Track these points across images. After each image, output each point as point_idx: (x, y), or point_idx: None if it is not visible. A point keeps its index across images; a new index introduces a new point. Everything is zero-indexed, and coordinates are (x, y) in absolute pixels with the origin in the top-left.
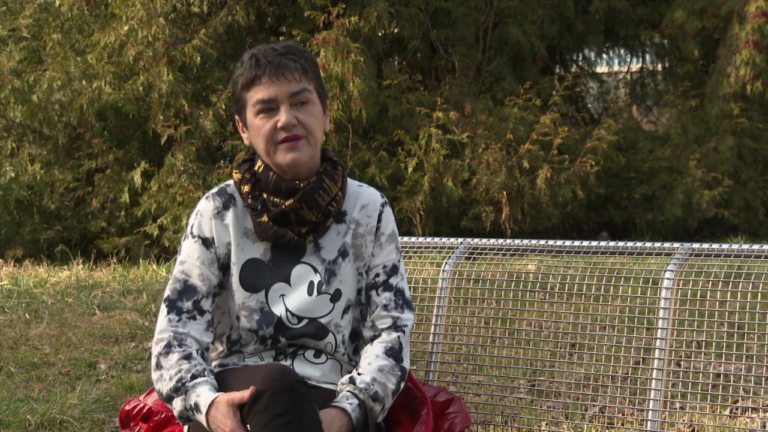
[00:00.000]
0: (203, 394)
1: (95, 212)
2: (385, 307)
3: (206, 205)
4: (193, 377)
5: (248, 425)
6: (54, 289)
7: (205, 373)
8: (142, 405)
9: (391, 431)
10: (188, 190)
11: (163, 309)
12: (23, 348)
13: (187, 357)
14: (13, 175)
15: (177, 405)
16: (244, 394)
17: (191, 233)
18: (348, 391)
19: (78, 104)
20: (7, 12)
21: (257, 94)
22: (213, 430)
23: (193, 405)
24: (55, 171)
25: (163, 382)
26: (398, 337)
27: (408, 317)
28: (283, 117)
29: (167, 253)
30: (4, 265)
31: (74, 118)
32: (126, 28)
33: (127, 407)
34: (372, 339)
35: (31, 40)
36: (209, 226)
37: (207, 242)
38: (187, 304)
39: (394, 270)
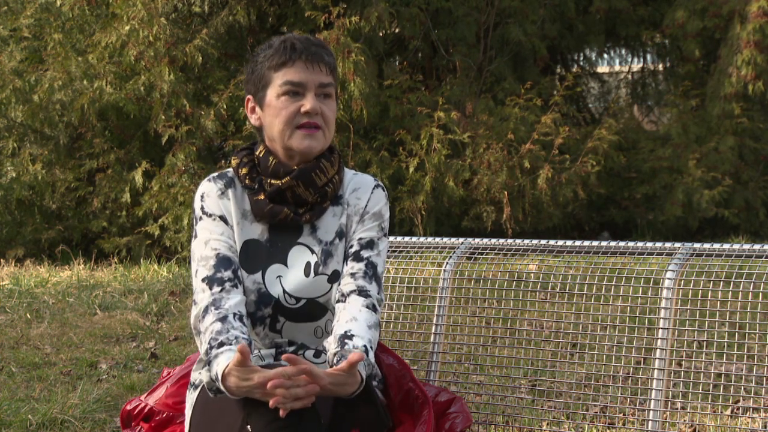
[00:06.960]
0: (221, 363)
1: (96, 212)
2: (353, 275)
3: (210, 186)
4: (220, 345)
5: (248, 426)
6: (55, 288)
7: (233, 341)
8: (143, 405)
9: (393, 431)
10: (189, 190)
11: (202, 288)
12: (24, 348)
13: (222, 319)
14: (14, 174)
15: (204, 377)
16: (243, 351)
17: (204, 213)
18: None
19: (79, 104)
20: (8, 12)
21: (287, 75)
22: (240, 394)
23: (214, 377)
24: (56, 171)
25: (201, 348)
26: (371, 299)
27: (375, 291)
28: (309, 103)
29: (168, 253)
30: (6, 264)
31: (75, 117)
32: (127, 28)
33: (129, 407)
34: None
35: (32, 40)
36: (218, 205)
37: (223, 218)
38: (227, 273)
39: (369, 244)
